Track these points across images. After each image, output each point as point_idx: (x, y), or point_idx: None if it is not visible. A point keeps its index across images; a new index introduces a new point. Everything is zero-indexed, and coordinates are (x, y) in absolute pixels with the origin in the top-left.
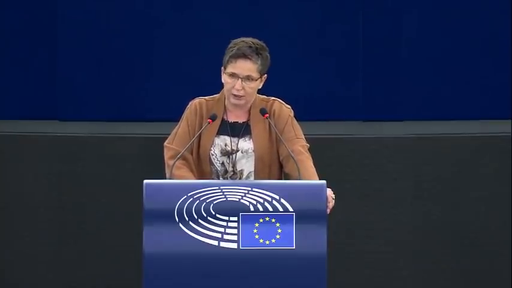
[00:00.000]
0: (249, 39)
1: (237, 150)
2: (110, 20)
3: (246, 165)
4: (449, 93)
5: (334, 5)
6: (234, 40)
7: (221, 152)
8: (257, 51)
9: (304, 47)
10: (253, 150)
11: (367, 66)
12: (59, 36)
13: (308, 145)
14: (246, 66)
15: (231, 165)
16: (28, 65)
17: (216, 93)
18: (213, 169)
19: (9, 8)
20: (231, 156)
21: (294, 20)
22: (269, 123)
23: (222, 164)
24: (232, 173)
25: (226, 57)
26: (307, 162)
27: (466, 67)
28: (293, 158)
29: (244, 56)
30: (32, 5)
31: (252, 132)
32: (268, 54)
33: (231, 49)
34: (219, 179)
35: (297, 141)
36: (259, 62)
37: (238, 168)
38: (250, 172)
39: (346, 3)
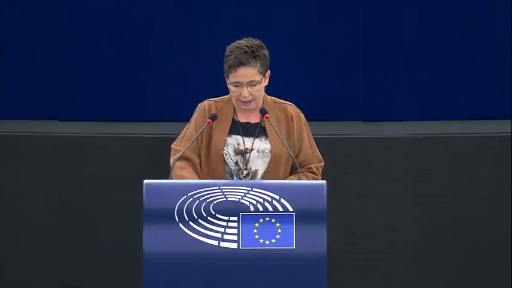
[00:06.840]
0: (243, 43)
1: (252, 150)
2: (109, 20)
3: (261, 165)
4: (449, 93)
5: (334, 5)
6: (229, 46)
7: (234, 151)
8: (254, 55)
9: (304, 47)
10: (270, 151)
11: (367, 66)
12: (58, 36)
13: (323, 164)
14: (247, 73)
15: (244, 164)
16: (28, 65)
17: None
18: (227, 168)
19: (9, 8)
20: (244, 156)
21: (294, 20)
22: (290, 125)
23: (236, 163)
24: (246, 172)
25: (225, 67)
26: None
27: (466, 67)
28: (298, 169)
29: (242, 64)
30: (32, 5)
31: (267, 132)
32: (266, 52)
33: (228, 58)
34: (233, 178)
35: (314, 160)
36: (258, 65)
37: (253, 168)
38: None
39: (346, 3)
